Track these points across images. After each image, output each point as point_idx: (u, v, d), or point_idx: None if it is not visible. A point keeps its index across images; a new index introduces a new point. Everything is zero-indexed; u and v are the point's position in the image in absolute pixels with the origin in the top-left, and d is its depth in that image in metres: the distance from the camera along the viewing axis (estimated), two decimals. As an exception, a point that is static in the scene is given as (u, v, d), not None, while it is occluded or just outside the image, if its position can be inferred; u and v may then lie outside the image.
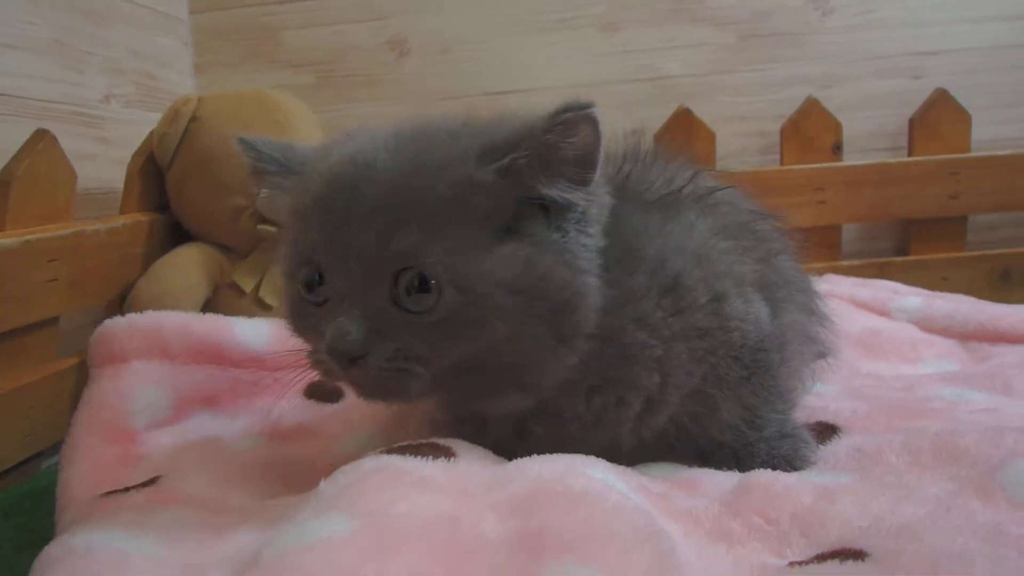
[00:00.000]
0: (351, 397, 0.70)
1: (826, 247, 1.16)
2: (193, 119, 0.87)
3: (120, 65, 1.01)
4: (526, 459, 0.41)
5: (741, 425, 0.48)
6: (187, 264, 0.85)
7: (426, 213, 0.40)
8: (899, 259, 1.16)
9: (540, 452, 0.42)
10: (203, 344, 0.65)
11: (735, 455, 0.49)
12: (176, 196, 0.89)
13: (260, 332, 0.69)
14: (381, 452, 0.41)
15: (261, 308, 0.88)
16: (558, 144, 0.40)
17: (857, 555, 0.33)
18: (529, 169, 0.40)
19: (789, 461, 0.49)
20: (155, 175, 0.90)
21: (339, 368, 0.41)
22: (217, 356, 0.65)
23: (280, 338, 0.70)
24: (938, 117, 1.14)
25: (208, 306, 0.87)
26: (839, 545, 0.34)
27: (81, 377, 0.69)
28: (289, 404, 0.67)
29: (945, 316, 0.79)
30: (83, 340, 0.66)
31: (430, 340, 0.40)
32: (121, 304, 0.83)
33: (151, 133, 0.90)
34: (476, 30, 1.20)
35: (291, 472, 0.51)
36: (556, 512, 0.32)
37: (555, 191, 0.41)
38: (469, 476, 0.39)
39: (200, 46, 1.21)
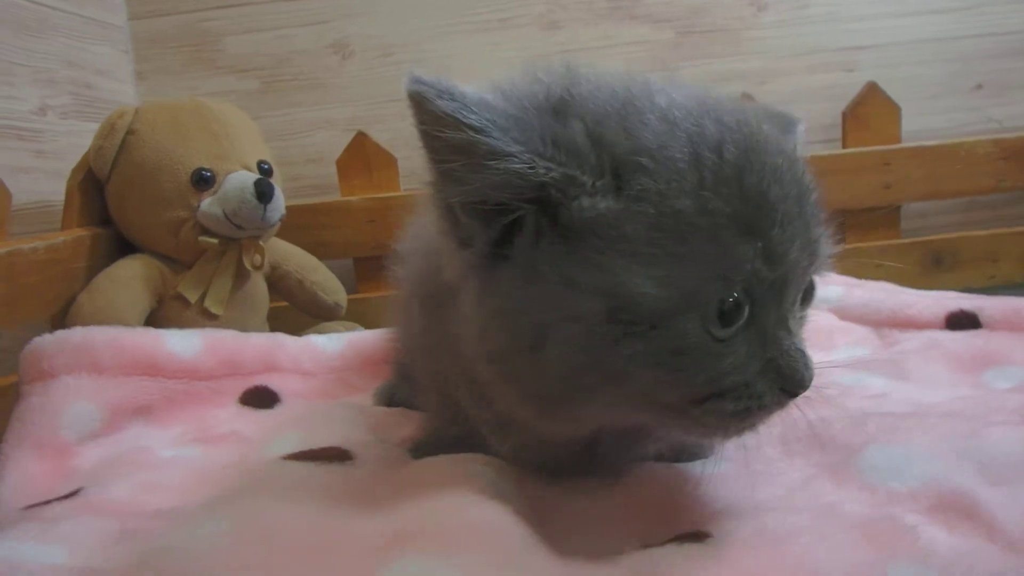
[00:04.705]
0: (287, 402, 0.72)
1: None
2: (130, 132, 0.87)
3: (54, 76, 1.00)
4: (429, 461, 0.44)
5: None
6: (129, 277, 0.86)
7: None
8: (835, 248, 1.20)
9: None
10: (134, 356, 0.66)
11: (671, 449, 0.50)
12: (117, 209, 0.90)
13: (191, 343, 0.70)
14: (282, 459, 0.43)
15: (207, 318, 0.89)
16: None
17: (699, 537, 0.36)
18: None
19: (693, 453, 0.52)
20: (96, 188, 0.90)
21: (780, 406, 0.36)
22: (148, 368, 0.66)
23: (212, 348, 0.73)
24: (869, 110, 1.18)
25: (154, 317, 0.88)
26: (690, 528, 0.37)
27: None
28: (225, 411, 0.69)
29: (861, 305, 0.83)
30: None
31: None
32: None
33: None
34: (418, 31, 1.21)
35: (213, 476, 0.53)
36: (424, 512, 0.35)
37: None
38: (363, 479, 0.41)
39: (140, 53, 1.21)
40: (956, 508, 0.39)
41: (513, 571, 0.31)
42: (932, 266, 1.20)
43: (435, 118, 0.32)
